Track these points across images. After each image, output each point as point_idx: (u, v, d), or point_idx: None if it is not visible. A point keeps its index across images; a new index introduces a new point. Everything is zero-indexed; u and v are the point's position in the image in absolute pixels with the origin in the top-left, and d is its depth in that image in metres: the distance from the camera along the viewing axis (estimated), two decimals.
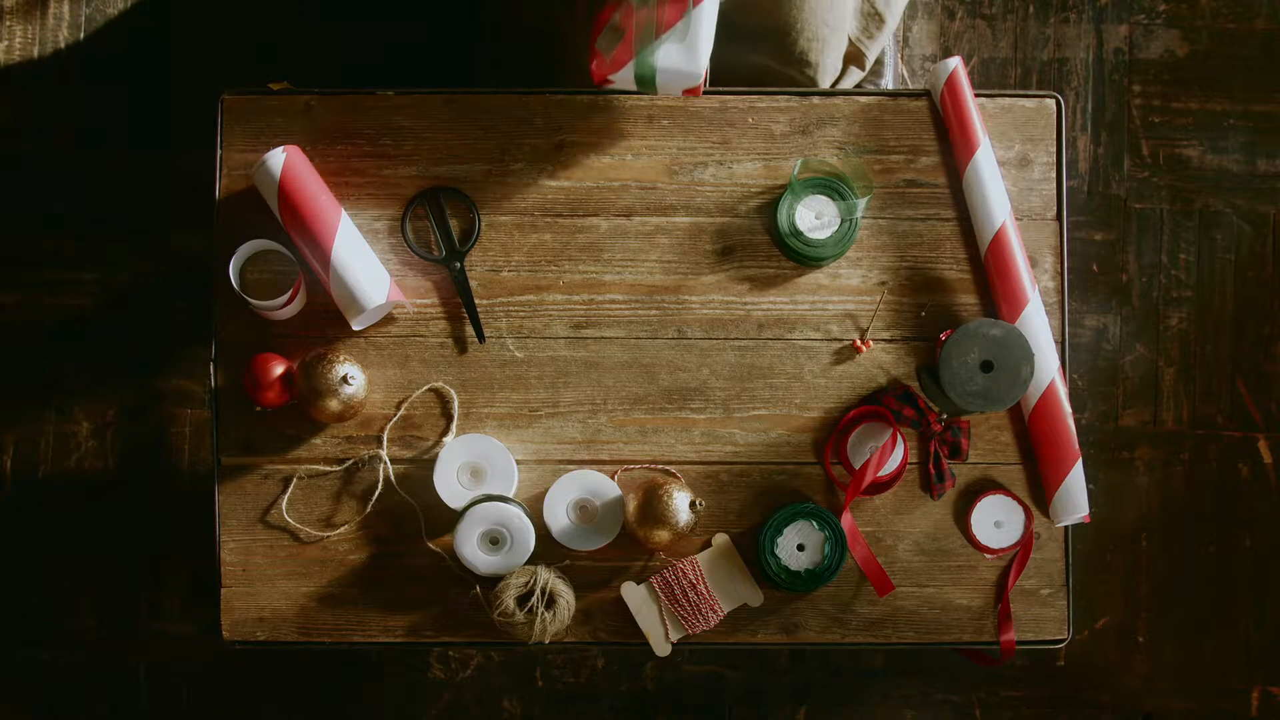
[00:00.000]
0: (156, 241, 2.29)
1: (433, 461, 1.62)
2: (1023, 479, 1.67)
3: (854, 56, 1.84)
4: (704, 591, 1.62)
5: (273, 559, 1.65)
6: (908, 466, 1.66)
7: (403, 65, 2.33)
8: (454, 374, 1.67)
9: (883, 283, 1.68)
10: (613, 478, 1.65)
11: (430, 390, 1.66)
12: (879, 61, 1.93)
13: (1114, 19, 2.35)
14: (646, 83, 1.54)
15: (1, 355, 2.28)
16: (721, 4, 1.64)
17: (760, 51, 1.75)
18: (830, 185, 1.66)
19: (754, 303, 1.68)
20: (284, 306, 1.62)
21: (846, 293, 1.68)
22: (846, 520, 1.63)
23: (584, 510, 1.65)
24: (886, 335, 1.68)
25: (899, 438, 1.64)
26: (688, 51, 1.50)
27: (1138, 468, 2.31)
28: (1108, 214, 2.33)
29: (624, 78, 1.53)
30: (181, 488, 2.27)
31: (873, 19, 1.83)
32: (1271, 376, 2.32)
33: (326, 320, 1.66)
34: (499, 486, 1.63)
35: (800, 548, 1.64)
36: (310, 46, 2.34)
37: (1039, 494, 1.67)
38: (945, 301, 1.68)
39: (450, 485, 1.62)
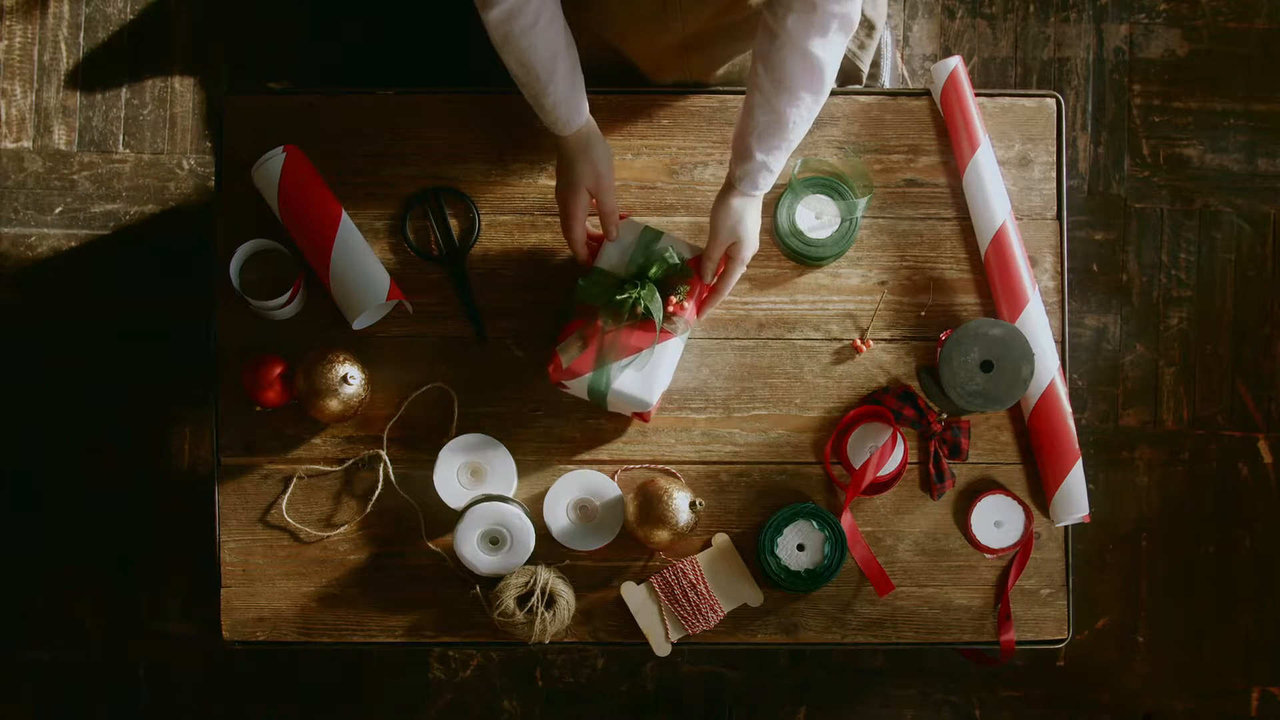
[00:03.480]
0: (156, 241, 2.29)
1: (433, 461, 1.62)
2: (1023, 479, 1.67)
3: (849, 70, 1.84)
4: (704, 591, 1.62)
5: (273, 559, 1.65)
6: (908, 466, 1.66)
7: (403, 65, 2.33)
8: (454, 374, 1.66)
9: (883, 283, 1.68)
10: (613, 478, 1.65)
11: (430, 390, 1.66)
12: (875, 63, 1.94)
13: (1114, 18, 2.35)
14: (598, 397, 1.59)
15: (1, 355, 2.28)
16: (719, 22, 1.64)
17: None
18: (830, 185, 1.66)
19: (754, 302, 1.68)
20: (284, 306, 1.62)
21: (846, 292, 1.68)
22: (846, 520, 1.63)
23: (584, 510, 1.65)
24: (886, 335, 1.68)
25: (899, 438, 1.63)
26: (644, 381, 1.56)
27: (1138, 468, 2.31)
28: (1108, 214, 2.32)
29: (577, 387, 1.59)
30: (181, 488, 2.27)
31: (862, 26, 1.83)
32: (1271, 376, 2.32)
33: (326, 320, 1.66)
34: (499, 486, 1.63)
35: (800, 548, 1.64)
36: (310, 46, 2.34)
37: (1039, 494, 1.67)
38: (945, 301, 1.68)
39: (450, 485, 1.62)
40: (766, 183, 1.53)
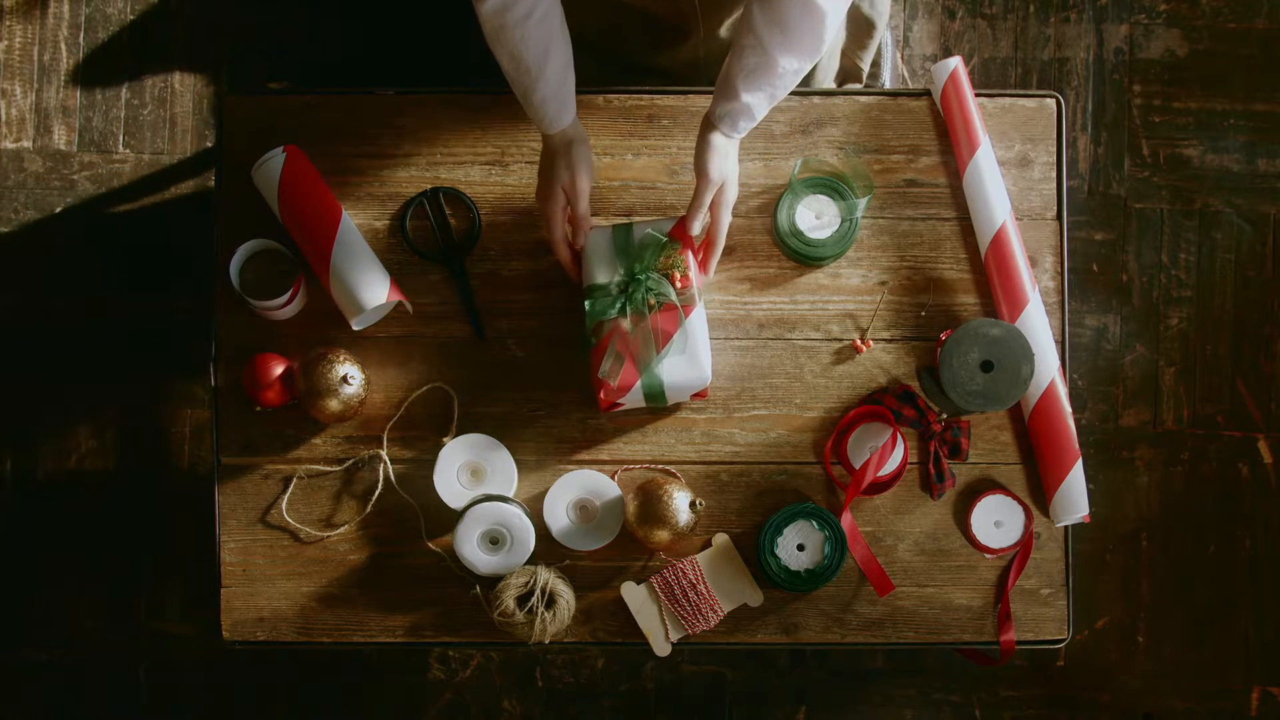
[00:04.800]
0: (156, 241, 2.29)
1: (433, 461, 1.62)
2: (1023, 479, 1.67)
3: (850, 70, 1.84)
4: (704, 591, 1.62)
5: (273, 559, 1.65)
6: (908, 466, 1.66)
7: (403, 65, 2.33)
8: (454, 374, 1.66)
9: (883, 283, 1.68)
10: (613, 478, 1.65)
11: (430, 390, 1.66)
12: (875, 63, 1.94)
13: (1114, 18, 2.35)
14: (656, 398, 1.59)
15: (1, 355, 2.28)
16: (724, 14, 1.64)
17: None
18: (830, 185, 1.66)
19: (754, 302, 1.68)
20: (284, 306, 1.62)
21: (846, 292, 1.68)
22: (846, 520, 1.63)
23: (584, 510, 1.64)
24: (886, 335, 1.68)
25: (899, 438, 1.63)
26: (690, 361, 1.56)
27: (1138, 468, 2.31)
28: (1108, 214, 2.32)
29: (633, 398, 1.58)
30: (181, 488, 2.27)
31: (861, 26, 1.83)
32: (1271, 376, 2.32)
33: (326, 320, 1.66)
34: (499, 486, 1.63)
35: (800, 548, 1.64)
36: (310, 46, 2.34)
37: (1039, 494, 1.67)
38: (945, 301, 1.68)
39: (450, 485, 1.62)
40: (745, 127, 1.51)
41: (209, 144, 2.32)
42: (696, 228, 1.56)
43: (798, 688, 2.28)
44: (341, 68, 2.34)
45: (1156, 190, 2.33)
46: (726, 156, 1.53)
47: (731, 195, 1.56)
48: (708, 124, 1.52)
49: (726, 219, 1.57)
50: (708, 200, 1.55)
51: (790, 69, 1.46)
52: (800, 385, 1.67)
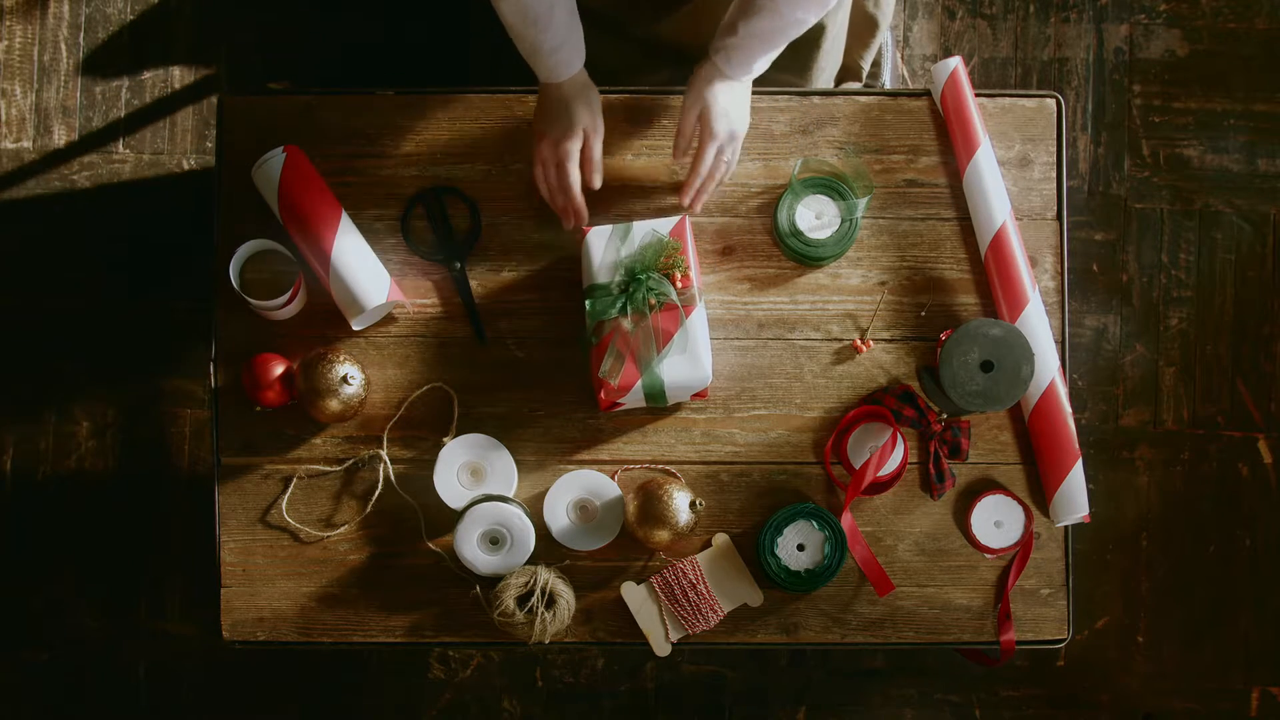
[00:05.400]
0: (157, 241, 2.29)
1: (433, 461, 1.62)
2: (1023, 479, 1.67)
3: (851, 69, 1.84)
4: (704, 591, 1.62)
5: (273, 559, 1.65)
6: (908, 466, 1.66)
7: (403, 65, 2.33)
8: (454, 374, 1.66)
9: (883, 283, 1.68)
10: (613, 478, 1.65)
11: (430, 390, 1.66)
12: (876, 63, 1.94)
13: (1114, 19, 2.35)
14: (657, 397, 1.59)
15: (1, 355, 2.28)
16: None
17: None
18: (830, 185, 1.66)
19: (754, 303, 1.68)
20: (284, 306, 1.62)
21: (846, 293, 1.68)
22: (846, 520, 1.63)
23: (584, 510, 1.64)
24: (886, 335, 1.68)
25: (899, 438, 1.63)
26: (691, 361, 1.56)
27: (1138, 468, 2.31)
28: (1108, 214, 2.33)
29: (633, 398, 1.59)
30: (181, 488, 2.27)
31: (864, 24, 1.83)
32: (1271, 376, 2.32)
33: (326, 320, 1.66)
34: (499, 486, 1.63)
35: (800, 548, 1.64)
36: (310, 46, 2.34)
37: (1039, 494, 1.67)
38: (945, 301, 1.68)
39: (450, 485, 1.62)
40: (740, 66, 1.53)
41: (209, 143, 2.32)
42: (682, 152, 1.59)
43: (798, 688, 2.28)
44: (341, 68, 2.34)
45: (1156, 190, 2.33)
46: (710, 84, 1.54)
47: (718, 128, 1.56)
48: (703, 59, 1.55)
49: (709, 150, 1.57)
50: (689, 124, 1.56)
51: (794, 19, 1.47)
52: (800, 385, 1.67)
